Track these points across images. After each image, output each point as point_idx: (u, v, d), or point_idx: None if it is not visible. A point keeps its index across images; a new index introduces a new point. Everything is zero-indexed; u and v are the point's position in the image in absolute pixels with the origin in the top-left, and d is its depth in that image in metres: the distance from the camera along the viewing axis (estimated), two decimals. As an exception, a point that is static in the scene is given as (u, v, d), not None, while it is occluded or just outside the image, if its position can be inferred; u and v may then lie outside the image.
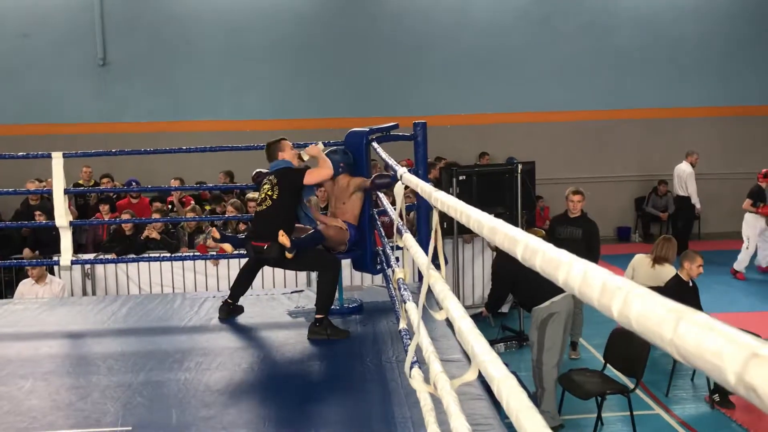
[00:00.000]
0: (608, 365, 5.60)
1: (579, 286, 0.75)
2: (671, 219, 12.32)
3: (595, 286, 0.70)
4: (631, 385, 5.39)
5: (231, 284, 5.06)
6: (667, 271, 6.63)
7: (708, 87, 12.96)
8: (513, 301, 8.25)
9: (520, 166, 8.17)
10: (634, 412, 5.30)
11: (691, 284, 6.23)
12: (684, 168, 11.31)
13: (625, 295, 0.64)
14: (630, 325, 0.64)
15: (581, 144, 12.80)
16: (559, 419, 5.47)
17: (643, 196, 12.90)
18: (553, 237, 6.64)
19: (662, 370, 6.48)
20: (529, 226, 8.78)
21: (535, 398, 5.47)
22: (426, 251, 2.08)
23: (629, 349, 5.17)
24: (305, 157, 4.69)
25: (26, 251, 7.94)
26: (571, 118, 12.79)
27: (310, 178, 4.47)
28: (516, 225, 7.44)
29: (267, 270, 7.27)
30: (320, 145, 4.70)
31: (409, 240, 2.43)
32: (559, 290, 5.14)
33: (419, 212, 5.40)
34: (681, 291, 6.00)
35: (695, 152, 11.37)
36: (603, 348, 5.70)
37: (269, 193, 4.47)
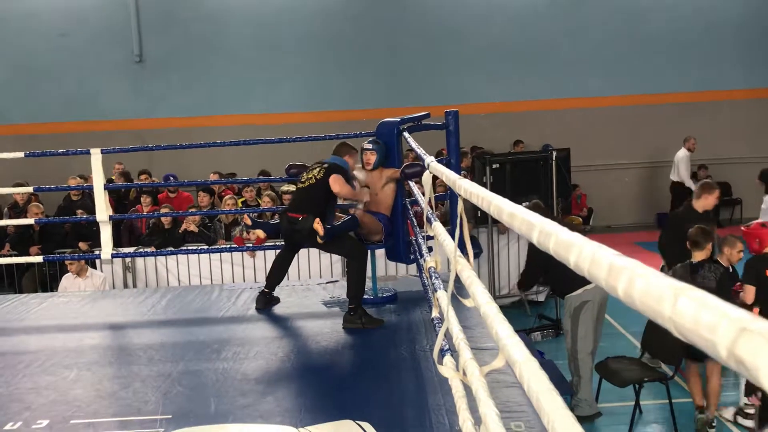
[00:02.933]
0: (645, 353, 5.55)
1: (588, 267, 0.76)
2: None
3: (603, 267, 0.72)
4: (670, 373, 5.33)
5: (267, 275, 5.12)
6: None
7: (746, 69, 12.66)
8: (549, 290, 8.22)
9: (554, 153, 8.10)
10: (673, 400, 5.25)
11: (731, 270, 6.12)
12: (679, 154, 11.40)
13: (630, 274, 0.65)
14: (634, 304, 0.65)
15: (618, 130, 12.61)
16: (596, 407, 5.44)
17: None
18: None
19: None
20: (564, 213, 8.72)
21: (572, 386, 5.44)
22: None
23: (667, 336, 5.10)
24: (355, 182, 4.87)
25: (82, 245, 8.16)
26: (607, 103, 12.62)
27: (339, 188, 4.55)
28: (551, 212, 7.27)
29: (302, 261, 7.36)
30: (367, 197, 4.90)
31: (438, 228, 2.45)
32: None
33: (451, 201, 5.40)
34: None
35: (692, 137, 11.44)
36: (640, 335, 5.64)
37: (316, 174, 4.59)
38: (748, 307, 4.93)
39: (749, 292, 5.03)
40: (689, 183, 11.25)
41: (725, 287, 5.05)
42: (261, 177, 9.34)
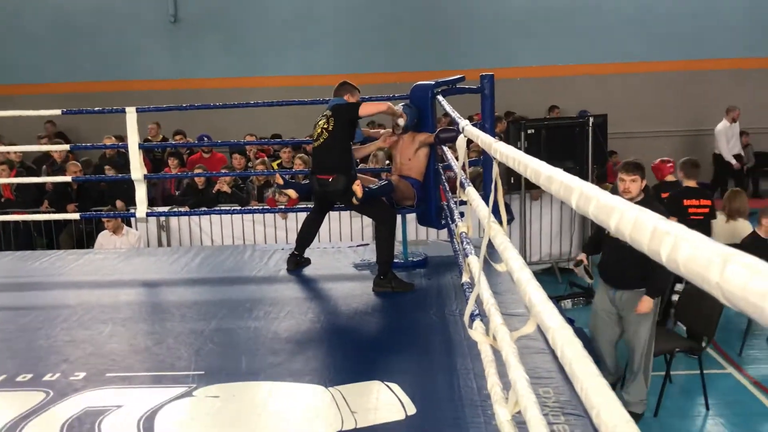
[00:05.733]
0: (678, 323, 5.49)
1: (630, 232, 0.74)
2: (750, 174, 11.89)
3: (646, 232, 0.69)
4: (702, 344, 5.27)
5: (297, 237, 5.14)
6: (742, 227, 6.41)
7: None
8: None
9: (591, 120, 7.96)
10: (705, 371, 5.20)
11: (769, 241, 6.02)
12: (718, 126, 11.14)
13: (674, 239, 0.63)
14: (678, 270, 0.63)
15: (658, 96, 12.31)
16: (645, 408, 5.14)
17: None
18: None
19: (736, 329, 6.31)
20: (600, 181, 8.59)
21: (626, 382, 5.14)
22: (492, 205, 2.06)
23: (701, 307, 5.04)
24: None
25: (119, 203, 8.29)
26: (648, 69, 12.31)
27: (365, 110, 4.52)
28: (586, 180, 7.27)
29: (334, 223, 7.39)
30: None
31: (471, 193, 2.42)
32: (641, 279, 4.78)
33: (485, 166, 5.34)
34: (758, 248, 5.79)
35: (737, 108, 11.07)
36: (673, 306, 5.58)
37: (324, 126, 4.51)
38: None
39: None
40: (729, 157, 11.01)
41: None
42: (290, 140, 9.34)
